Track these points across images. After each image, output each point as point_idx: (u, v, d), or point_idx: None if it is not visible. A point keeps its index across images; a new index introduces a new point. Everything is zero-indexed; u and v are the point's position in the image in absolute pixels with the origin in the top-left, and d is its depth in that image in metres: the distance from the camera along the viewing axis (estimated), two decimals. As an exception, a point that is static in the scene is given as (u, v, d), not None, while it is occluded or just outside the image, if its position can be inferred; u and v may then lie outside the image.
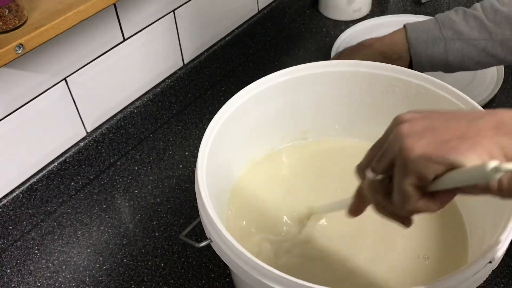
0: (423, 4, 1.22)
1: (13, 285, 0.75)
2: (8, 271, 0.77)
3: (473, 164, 0.38)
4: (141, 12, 0.85)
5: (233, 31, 1.06)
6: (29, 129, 0.77)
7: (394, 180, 0.43)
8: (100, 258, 0.78)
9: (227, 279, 0.74)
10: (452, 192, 0.42)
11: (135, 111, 0.91)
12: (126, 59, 0.87)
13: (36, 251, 0.79)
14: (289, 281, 0.48)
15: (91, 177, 0.89)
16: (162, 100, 0.96)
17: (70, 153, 0.84)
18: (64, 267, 0.77)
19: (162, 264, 0.76)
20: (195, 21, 0.96)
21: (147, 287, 0.74)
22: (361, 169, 0.49)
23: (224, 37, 1.04)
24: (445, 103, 0.66)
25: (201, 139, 0.62)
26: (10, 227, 0.79)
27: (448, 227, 0.68)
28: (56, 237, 0.81)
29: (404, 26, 0.81)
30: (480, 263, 0.50)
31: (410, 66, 0.81)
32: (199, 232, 0.68)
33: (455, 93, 0.66)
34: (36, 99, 0.76)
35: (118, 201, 0.86)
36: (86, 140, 0.85)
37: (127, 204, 0.85)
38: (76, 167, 0.85)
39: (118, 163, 0.92)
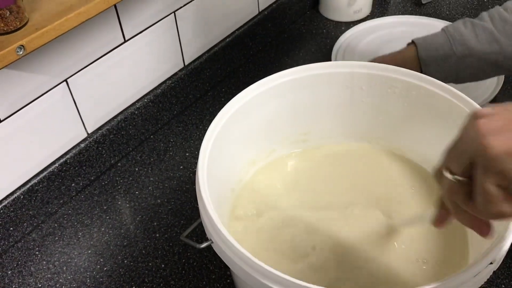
0: (423, 5, 1.22)
1: (14, 287, 0.75)
2: (9, 272, 0.77)
3: None
4: (142, 13, 0.85)
5: (233, 32, 1.06)
6: (30, 130, 0.77)
7: (475, 181, 0.40)
8: (101, 259, 0.78)
9: (228, 280, 0.74)
10: None
11: (136, 112, 0.92)
12: (127, 61, 0.87)
13: (37, 252, 0.79)
14: (290, 282, 0.48)
15: (92, 178, 0.89)
16: (162, 101, 0.96)
17: (71, 154, 0.84)
18: (65, 268, 0.77)
19: (163, 265, 0.76)
20: (195, 22, 0.96)
21: (148, 288, 0.74)
22: (439, 172, 0.45)
23: (225, 38, 1.04)
24: (446, 104, 0.66)
25: (201, 140, 0.62)
26: (11, 228, 0.79)
27: (448, 227, 0.68)
28: (57, 238, 0.81)
29: (414, 42, 0.80)
30: (481, 264, 0.49)
31: None
32: (200, 233, 0.68)
33: (456, 94, 0.66)
34: (37, 100, 0.76)
35: (119, 202, 0.86)
36: (87, 141, 0.86)
37: (127, 205, 0.85)
38: (77, 168, 0.85)
39: (119, 164, 0.92)
